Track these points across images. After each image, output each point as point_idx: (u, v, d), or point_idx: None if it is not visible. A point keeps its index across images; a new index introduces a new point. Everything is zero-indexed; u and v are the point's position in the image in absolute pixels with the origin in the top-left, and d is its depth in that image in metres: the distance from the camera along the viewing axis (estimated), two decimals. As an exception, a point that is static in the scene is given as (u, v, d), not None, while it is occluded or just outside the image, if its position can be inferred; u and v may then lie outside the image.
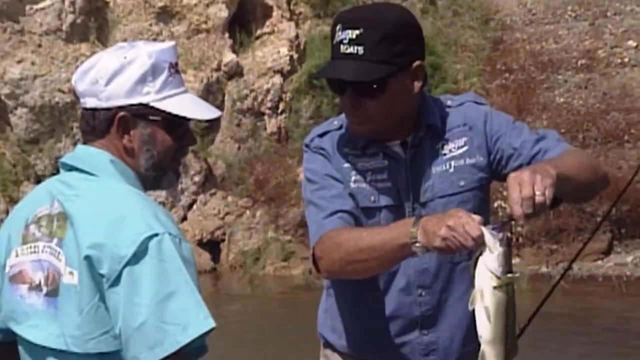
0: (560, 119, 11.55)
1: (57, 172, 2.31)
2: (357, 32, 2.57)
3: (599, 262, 10.78)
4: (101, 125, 2.23)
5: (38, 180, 11.71)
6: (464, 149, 2.72)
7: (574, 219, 10.57)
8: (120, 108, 2.21)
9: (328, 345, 2.90)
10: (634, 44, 12.39)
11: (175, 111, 2.23)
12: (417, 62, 2.63)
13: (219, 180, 12.26)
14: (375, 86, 2.59)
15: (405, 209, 2.70)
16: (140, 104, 2.21)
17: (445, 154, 2.72)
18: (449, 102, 2.79)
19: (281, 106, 12.65)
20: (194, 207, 12.14)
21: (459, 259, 2.69)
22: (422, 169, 2.71)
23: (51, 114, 12.01)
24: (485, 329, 2.31)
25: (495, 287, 2.28)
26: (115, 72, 2.20)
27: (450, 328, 2.74)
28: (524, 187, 2.26)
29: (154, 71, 2.22)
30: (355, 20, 2.59)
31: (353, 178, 2.72)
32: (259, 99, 12.54)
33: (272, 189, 11.93)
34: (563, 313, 8.62)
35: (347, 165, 2.73)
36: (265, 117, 12.61)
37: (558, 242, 10.78)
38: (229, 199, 12.19)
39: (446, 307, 2.75)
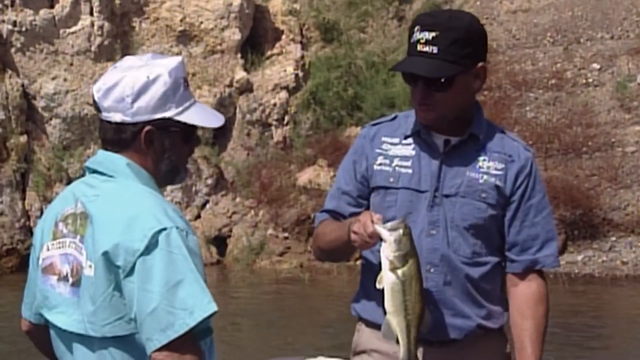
0: (528, 131, 11.87)
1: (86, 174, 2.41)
2: (433, 34, 2.74)
3: (553, 260, 11.20)
4: (128, 137, 2.29)
5: (69, 181, 11.92)
6: (500, 172, 2.86)
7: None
8: (146, 123, 2.27)
9: (360, 318, 3.05)
10: (598, 66, 12.69)
11: (194, 122, 2.33)
12: (481, 64, 2.82)
13: (229, 183, 12.83)
14: (443, 81, 2.76)
15: (427, 194, 2.86)
16: (164, 118, 2.28)
17: (481, 167, 2.86)
18: (503, 129, 2.98)
19: (286, 118, 13.17)
20: (207, 206, 12.75)
21: (462, 253, 2.86)
22: (454, 167, 2.86)
23: (81, 124, 12.61)
24: (386, 303, 2.53)
25: (390, 270, 2.48)
26: (140, 91, 2.25)
27: (453, 307, 2.84)
28: None
29: (174, 87, 2.28)
30: (433, 24, 2.77)
31: (379, 161, 2.92)
32: (267, 112, 13.11)
33: (275, 191, 12.44)
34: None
35: (378, 150, 2.93)
36: (272, 128, 13.16)
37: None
38: (237, 199, 12.73)
39: (449, 288, 2.85)
